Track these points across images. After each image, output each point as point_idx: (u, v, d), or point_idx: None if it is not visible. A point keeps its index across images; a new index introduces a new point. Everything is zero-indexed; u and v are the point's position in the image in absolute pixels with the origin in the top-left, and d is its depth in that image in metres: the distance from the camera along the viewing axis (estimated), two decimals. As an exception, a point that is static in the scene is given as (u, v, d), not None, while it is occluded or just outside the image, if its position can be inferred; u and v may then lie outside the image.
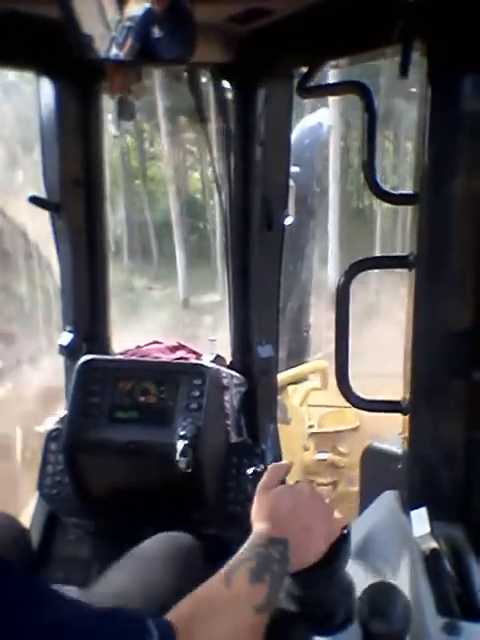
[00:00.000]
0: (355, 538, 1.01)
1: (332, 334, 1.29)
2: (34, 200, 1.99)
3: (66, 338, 2.15)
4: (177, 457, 1.78)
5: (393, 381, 1.43)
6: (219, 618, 0.84)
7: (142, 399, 1.95)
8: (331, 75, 3.77)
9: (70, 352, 2.14)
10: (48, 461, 2.09)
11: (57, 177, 1.96)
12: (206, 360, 2.08)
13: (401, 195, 1.28)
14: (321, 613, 0.99)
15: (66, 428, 1.95)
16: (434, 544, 1.09)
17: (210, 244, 12.21)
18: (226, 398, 2.02)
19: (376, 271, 1.38)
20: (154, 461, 1.88)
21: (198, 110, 1.81)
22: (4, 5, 1.38)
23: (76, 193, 2.01)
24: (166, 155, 12.16)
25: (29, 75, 1.91)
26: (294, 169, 2.00)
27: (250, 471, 1.92)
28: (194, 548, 1.56)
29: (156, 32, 1.11)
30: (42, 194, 2.01)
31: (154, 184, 13.62)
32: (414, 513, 1.14)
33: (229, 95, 1.85)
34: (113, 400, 1.95)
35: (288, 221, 1.95)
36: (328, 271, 10.76)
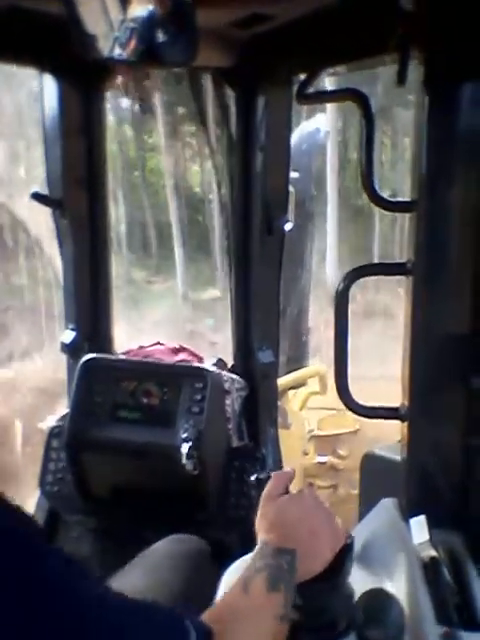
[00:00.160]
0: (354, 546, 1.01)
1: (331, 334, 1.29)
2: (37, 197, 2.00)
3: (68, 336, 2.15)
4: (183, 460, 1.79)
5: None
6: (245, 626, 0.84)
7: (145, 400, 1.95)
8: (328, 82, 3.80)
9: (72, 350, 2.14)
10: (50, 458, 2.09)
11: (60, 174, 1.96)
12: (208, 364, 2.09)
13: (398, 202, 1.28)
14: (323, 622, 0.98)
15: (68, 425, 1.95)
16: (433, 552, 1.08)
17: (210, 238, 12.14)
18: (227, 402, 2.03)
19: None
20: (156, 462, 1.89)
21: (199, 113, 1.82)
22: (7, 1, 1.38)
23: (79, 191, 2.01)
24: (164, 147, 12.07)
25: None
26: (293, 174, 2.01)
27: (253, 477, 1.94)
28: (204, 551, 1.58)
29: (159, 35, 1.11)
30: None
31: (154, 176, 13.53)
32: (413, 521, 1.13)
33: (230, 100, 1.86)
34: (115, 399, 1.96)
35: (288, 227, 1.95)
36: (327, 270, 10.72)
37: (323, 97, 1.64)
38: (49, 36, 1.46)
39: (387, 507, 1.27)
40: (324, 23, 1.30)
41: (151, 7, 1.09)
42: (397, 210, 1.33)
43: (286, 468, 1.99)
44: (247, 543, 0.95)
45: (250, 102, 1.80)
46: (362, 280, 1.26)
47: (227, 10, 1.40)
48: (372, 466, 1.43)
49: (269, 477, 1.04)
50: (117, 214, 11.01)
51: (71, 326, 2.16)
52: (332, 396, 1.49)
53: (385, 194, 1.30)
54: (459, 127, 1.10)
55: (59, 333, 2.27)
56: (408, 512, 1.18)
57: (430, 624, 0.97)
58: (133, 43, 1.11)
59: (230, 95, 1.86)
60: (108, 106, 2.07)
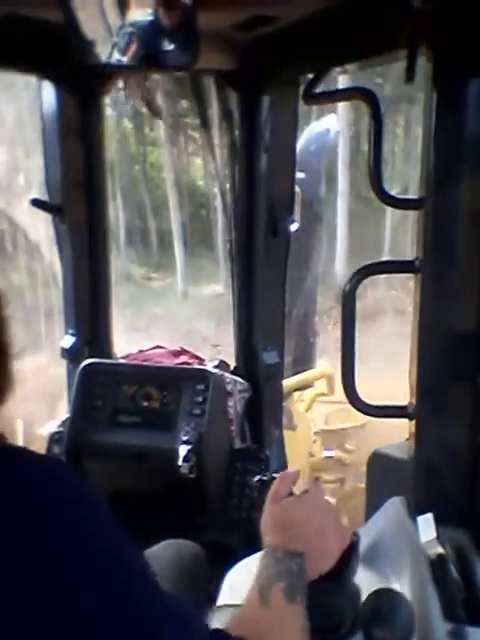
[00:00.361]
0: (362, 544, 1.00)
1: (339, 333, 1.29)
2: (36, 203, 2.00)
3: (68, 341, 2.15)
4: (180, 462, 1.78)
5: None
6: (271, 638, 0.83)
7: (145, 404, 1.95)
8: (340, 80, 3.76)
9: (72, 355, 2.13)
10: None
11: (59, 180, 1.96)
12: (209, 365, 2.08)
13: (407, 200, 1.28)
14: (329, 623, 0.98)
15: (68, 431, 1.95)
16: (440, 550, 1.09)
17: (212, 233, 12.05)
18: (230, 404, 2.02)
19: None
20: (157, 466, 1.89)
21: (201, 117, 1.81)
22: (5, 8, 1.38)
23: (78, 196, 2.01)
24: (165, 140, 11.98)
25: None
26: (300, 175, 2.01)
27: (255, 479, 1.93)
28: (199, 556, 1.56)
29: (160, 40, 1.11)
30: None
31: (155, 170, 13.43)
32: (420, 518, 1.13)
33: (233, 102, 1.85)
34: (115, 404, 1.95)
35: (294, 227, 1.95)
36: (336, 265, 10.67)
37: (331, 97, 1.63)
38: (47, 43, 1.46)
39: (395, 506, 1.27)
40: (330, 22, 1.29)
41: (150, 11, 1.08)
42: (405, 207, 1.33)
43: (291, 469, 1.98)
44: (249, 545, 0.94)
45: (254, 104, 1.80)
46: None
47: (228, 13, 1.39)
48: (379, 465, 1.42)
49: (272, 479, 1.02)
50: (116, 211, 10.96)
51: (71, 331, 2.15)
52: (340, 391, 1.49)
53: (396, 189, 1.30)
54: (467, 124, 1.10)
55: (59, 335, 2.27)
56: (416, 509, 1.19)
57: (438, 621, 0.97)
58: (133, 48, 1.11)
59: (233, 97, 1.85)
60: (106, 101, 2.06)
